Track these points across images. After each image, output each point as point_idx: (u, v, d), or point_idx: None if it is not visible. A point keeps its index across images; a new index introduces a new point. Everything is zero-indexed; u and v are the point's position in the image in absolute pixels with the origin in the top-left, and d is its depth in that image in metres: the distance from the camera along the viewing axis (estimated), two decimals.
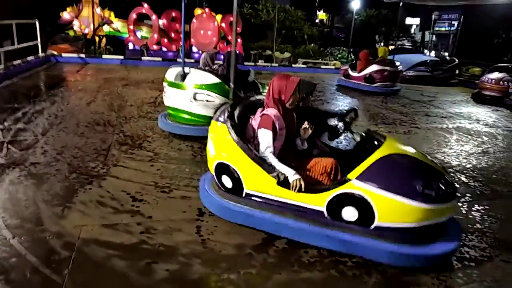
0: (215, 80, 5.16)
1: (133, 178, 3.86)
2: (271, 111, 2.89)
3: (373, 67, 10.09)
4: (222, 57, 10.45)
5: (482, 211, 3.74)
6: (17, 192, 3.40)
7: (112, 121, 5.80)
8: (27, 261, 2.50)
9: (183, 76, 5.33)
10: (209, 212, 3.21)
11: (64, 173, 3.84)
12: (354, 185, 2.62)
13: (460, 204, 3.85)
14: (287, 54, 16.52)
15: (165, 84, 5.41)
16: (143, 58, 13.34)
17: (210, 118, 3.60)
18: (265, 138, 2.83)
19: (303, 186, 2.70)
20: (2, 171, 3.79)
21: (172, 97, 5.31)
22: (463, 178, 4.58)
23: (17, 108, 6.19)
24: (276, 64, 15.00)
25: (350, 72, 10.56)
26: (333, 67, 15.51)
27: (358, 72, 10.34)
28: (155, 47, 14.02)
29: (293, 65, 15.11)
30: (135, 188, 3.64)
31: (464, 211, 3.72)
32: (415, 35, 26.82)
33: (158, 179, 3.90)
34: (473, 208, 3.79)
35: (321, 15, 33.00)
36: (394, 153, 2.78)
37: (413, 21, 29.52)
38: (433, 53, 18.77)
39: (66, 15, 13.79)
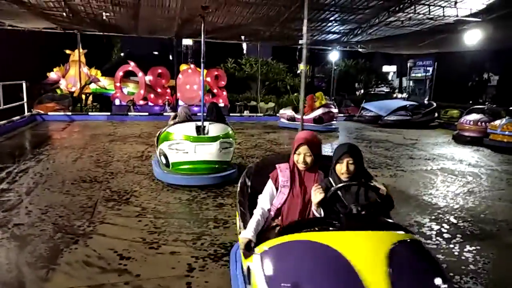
0: (229, 128, 5.87)
1: (121, 235, 3.77)
2: (282, 165, 2.60)
3: (322, 110, 11.96)
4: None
5: (474, 251, 3.73)
6: (0, 256, 3.27)
7: (98, 177, 5.75)
8: None
9: (203, 129, 5.56)
10: (199, 267, 3.12)
11: (49, 233, 3.73)
12: None
13: (451, 246, 3.84)
14: (271, 104, 16.96)
15: (184, 140, 5.44)
16: (129, 113, 13.51)
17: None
18: (265, 188, 2.61)
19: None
20: None
21: (200, 152, 5.46)
22: (452, 219, 4.60)
23: (1, 168, 6.10)
24: (261, 114, 15.33)
25: (296, 115, 11.86)
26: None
27: (306, 115, 11.61)
28: (141, 102, 14.26)
29: (277, 114, 15.45)
30: (123, 245, 3.55)
31: (456, 253, 3.70)
32: (393, 82, 27.95)
33: (146, 234, 3.81)
34: (465, 249, 3.78)
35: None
36: None
37: (390, 69, 30.96)
38: (404, 98, 19.48)
39: (53, 75, 14.08)
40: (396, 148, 9.45)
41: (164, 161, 5.64)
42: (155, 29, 13.50)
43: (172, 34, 14.43)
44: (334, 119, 12.34)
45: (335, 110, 12.44)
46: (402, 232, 1.93)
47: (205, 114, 5.84)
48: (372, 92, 23.06)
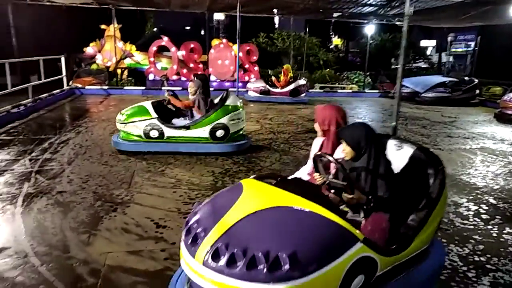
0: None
1: (157, 204, 3.91)
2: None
3: (299, 82, 12.22)
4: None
5: None
6: (45, 220, 3.48)
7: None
8: None
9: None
10: None
11: (89, 201, 3.92)
12: None
13: (490, 227, 3.73)
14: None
15: (239, 110, 5.90)
16: (163, 88, 13.69)
17: None
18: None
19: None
20: (30, 200, 3.89)
21: (243, 119, 6.05)
22: (491, 200, 4.44)
23: (44, 139, 6.40)
24: None
25: (271, 89, 12.01)
26: (350, 90, 15.57)
27: (281, 88, 12.02)
28: (174, 77, 14.40)
29: (310, 90, 15.22)
30: (159, 214, 3.68)
31: (495, 234, 3.59)
32: (432, 57, 26.72)
33: (181, 205, 3.93)
34: (504, 231, 3.65)
35: (336, 40, 33.38)
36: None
37: (428, 43, 29.52)
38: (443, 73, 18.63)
39: (89, 49, 14.40)
40: (434, 126, 9.13)
41: (221, 134, 5.79)
42: (187, 3, 13.43)
43: (204, 9, 14.33)
44: (305, 92, 12.71)
45: (306, 83, 12.98)
46: (306, 203, 2.05)
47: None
48: (409, 67, 22.17)
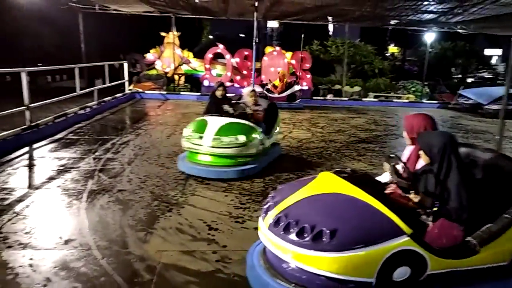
0: None
1: (209, 207, 4.02)
2: None
3: (295, 88, 12.25)
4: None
5: None
6: (106, 216, 3.70)
7: None
8: (114, 281, 2.68)
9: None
10: None
11: (147, 200, 4.12)
12: None
13: None
14: (357, 88, 16.36)
15: None
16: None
17: None
18: None
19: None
20: (93, 197, 4.17)
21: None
22: None
23: (107, 139, 6.83)
24: (346, 98, 14.90)
25: (269, 94, 11.87)
26: (406, 100, 15.01)
27: (279, 93, 12.06)
28: (228, 84, 14.73)
29: (364, 99, 14.89)
30: (211, 217, 3.78)
31: None
32: (497, 67, 25.12)
33: (232, 209, 4.01)
34: None
35: (392, 48, 32.42)
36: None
37: (493, 52, 27.78)
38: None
39: (150, 56, 15.15)
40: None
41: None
42: (243, 11, 13.71)
43: (259, 16, 14.56)
44: (300, 98, 12.73)
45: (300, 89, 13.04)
46: (358, 192, 2.40)
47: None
48: (472, 77, 20.98)
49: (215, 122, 5.06)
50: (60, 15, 13.64)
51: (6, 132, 6.01)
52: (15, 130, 6.23)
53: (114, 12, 13.77)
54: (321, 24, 17.52)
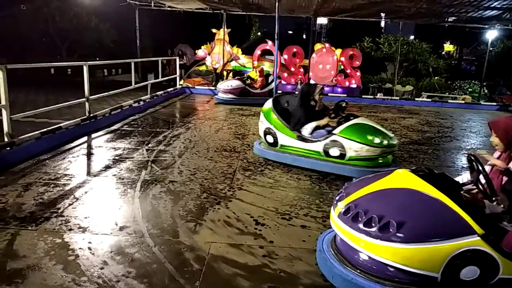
0: None
1: (256, 202, 4.06)
2: None
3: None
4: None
5: None
6: (158, 205, 3.85)
7: (237, 148, 6.23)
8: (165, 268, 2.78)
9: None
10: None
11: (196, 192, 4.23)
12: None
13: None
14: (409, 87, 15.80)
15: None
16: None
17: None
18: None
19: None
20: (146, 186, 4.35)
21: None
22: None
23: (159, 132, 7.09)
24: (397, 98, 14.40)
25: (251, 89, 11.16)
26: (462, 101, 14.25)
27: (260, 89, 11.26)
28: None
29: (416, 99, 14.32)
30: (258, 212, 3.82)
31: None
32: None
33: (279, 205, 4.02)
34: None
35: (448, 47, 30.85)
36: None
37: None
38: None
39: (200, 52, 15.53)
40: None
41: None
42: (294, 8, 13.64)
43: (310, 13, 14.41)
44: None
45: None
46: (431, 190, 2.41)
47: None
48: None
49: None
50: (118, 12, 14.34)
51: (68, 122, 6.42)
52: (75, 120, 6.63)
53: (168, 9, 14.21)
54: (373, 21, 17.02)
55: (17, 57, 15.59)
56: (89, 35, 18.56)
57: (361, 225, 2.35)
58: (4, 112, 5.05)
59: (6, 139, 5.03)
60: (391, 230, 2.23)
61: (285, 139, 5.37)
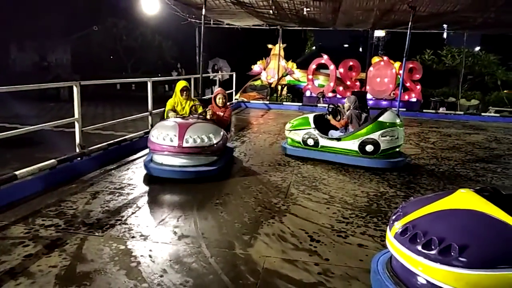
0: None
1: (311, 218, 4.01)
2: None
3: None
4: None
5: None
6: (215, 217, 3.94)
7: (291, 162, 6.22)
8: (221, 280, 2.83)
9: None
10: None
11: (251, 206, 4.28)
12: None
13: None
14: (474, 102, 14.88)
15: (395, 127, 5.91)
16: (318, 105, 14.03)
17: None
18: None
19: None
20: (204, 197, 4.47)
21: (400, 137, 6.03)
22: None
23: None
24: (461, 112, 13.61)
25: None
26: None
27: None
28: (330, 94, 14.60)
29: (483, 114, 13.43)
30: (312, 228, 3.77)
31: None
32: None
33: (334, 222, 3.94)
34: None
35: None
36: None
37: None
38: None
39: (256, 67, 15.82)
40: None
41: (371, 149, 5.92)
42: (352, 21, 13.50)
43: (368, 26, 14.18)
44: None
45: None
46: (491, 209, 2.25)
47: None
48: None
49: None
50: (178, 31, 15.08)
51: (132, 135, 6.81)
52: (139, 133, 7.01)
53: (226, 26, 14.70)
54: (435, 32, 16.33)
55: (89, 74, 16.93)
56: (152, 52, 19.68)
57: (419, 247, 2.21)
58: (76, 124, 5.48)
59: (77, 150, 5.44)
60: (452, 253, 2.08)
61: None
